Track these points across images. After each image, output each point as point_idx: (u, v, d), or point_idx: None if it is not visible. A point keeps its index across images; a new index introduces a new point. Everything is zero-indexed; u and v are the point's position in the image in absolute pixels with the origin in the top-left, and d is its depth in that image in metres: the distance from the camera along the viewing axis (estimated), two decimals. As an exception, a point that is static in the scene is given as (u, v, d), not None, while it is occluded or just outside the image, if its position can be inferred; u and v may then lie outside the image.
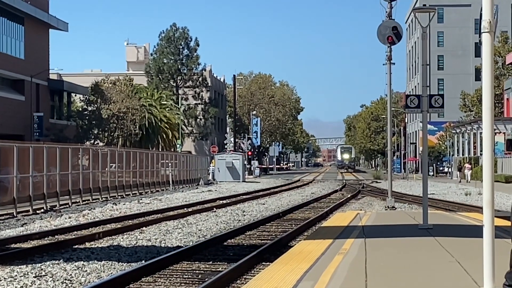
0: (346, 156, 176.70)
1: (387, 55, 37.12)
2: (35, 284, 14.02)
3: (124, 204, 41.35)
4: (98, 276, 15.23)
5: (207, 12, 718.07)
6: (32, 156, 34.98)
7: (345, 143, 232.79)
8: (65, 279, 14.59)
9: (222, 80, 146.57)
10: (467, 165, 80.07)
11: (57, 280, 14.43)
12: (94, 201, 43.74)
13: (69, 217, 30.81)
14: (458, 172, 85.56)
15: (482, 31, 8.47)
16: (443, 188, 64.42)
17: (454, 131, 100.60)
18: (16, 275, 14.90)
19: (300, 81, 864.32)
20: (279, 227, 27.30)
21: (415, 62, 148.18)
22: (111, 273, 15.60)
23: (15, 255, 17.86)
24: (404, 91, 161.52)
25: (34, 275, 14.94)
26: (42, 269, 15.69)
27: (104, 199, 45.59)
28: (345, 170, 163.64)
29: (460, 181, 79.15)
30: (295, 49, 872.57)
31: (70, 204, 39.75)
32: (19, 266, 16.09)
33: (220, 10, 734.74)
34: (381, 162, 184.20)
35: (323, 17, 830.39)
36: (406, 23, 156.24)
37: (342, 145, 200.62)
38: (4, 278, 14.56)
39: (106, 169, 48.90)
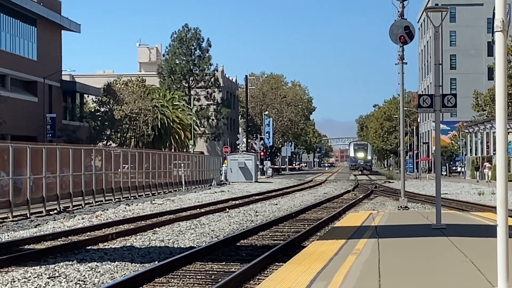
0: (361, 154, 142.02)
1: (399, 55, 37.12)
2: (48, 285, 14.06)
3: (137, 205, 41.46)
4: (112, 277, 15.28)
5: (219, 13, 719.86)
6: (45, 157, 35.13)
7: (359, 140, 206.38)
8: (79, 280, 14.64)
9: (234, 80, 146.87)
10: (487, 164, 79.45)
11: (71, 281, 14.49)
12: (107, 202, 43.87)
13: (82, 218, 30.93)
14: (476, 172, 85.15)
15: (495, 30, 8.48)
16: (456, 187, 64.35)
17: (467, 131, 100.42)
18: (30, 276, 14.97)
19: (313, 81, 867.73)
20: (292, 227, 27.33)
21: (427, 61, 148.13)
22: (125, 273, 15.65)
23: (29, 256, 17.94)
24: (416, 90, 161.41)
25: (47, 276, 15.00)
26: (55, 270, 15.75)
27: (117, 200, 45.72)
28: (360, 172, 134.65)
29: (478, 181, 78.74)
30: (308, 49, 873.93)
31: (83, 205, 39.90)
32: (33, 267, 16.16)
33: (232, 11, 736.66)
34: (394, 162, 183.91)
35: (336, 17, 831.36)
36: (418, 22, 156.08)
37: (356, 142, 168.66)
38: (18, 279, 14.63)
39: (119, 170, 49.07)
